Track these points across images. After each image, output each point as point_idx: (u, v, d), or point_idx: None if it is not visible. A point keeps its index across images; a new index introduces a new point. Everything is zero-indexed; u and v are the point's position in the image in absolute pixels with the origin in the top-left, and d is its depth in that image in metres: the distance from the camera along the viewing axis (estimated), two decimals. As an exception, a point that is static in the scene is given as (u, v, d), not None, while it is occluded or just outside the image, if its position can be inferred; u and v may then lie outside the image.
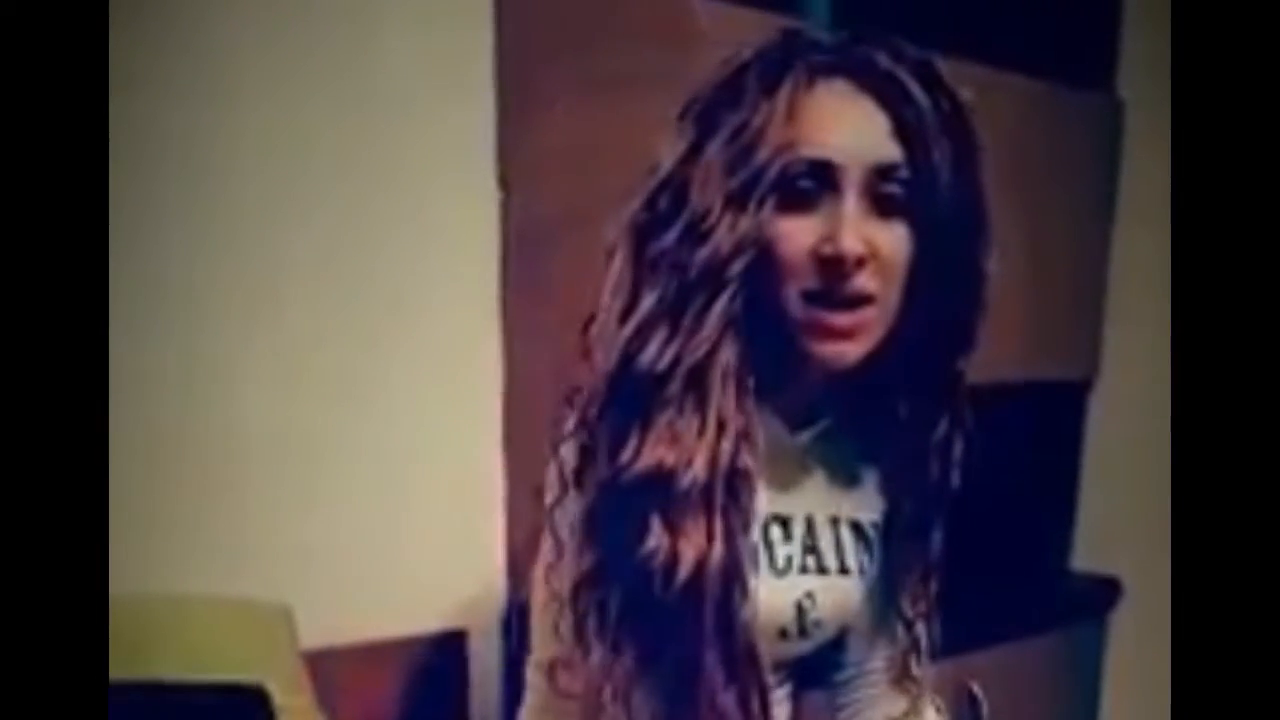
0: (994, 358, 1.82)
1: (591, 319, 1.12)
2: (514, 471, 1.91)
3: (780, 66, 1.07)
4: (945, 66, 1.12)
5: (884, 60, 1.09)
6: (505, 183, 1.88)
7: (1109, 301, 2.37)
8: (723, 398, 1.06)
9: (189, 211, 1.60)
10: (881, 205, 1.07)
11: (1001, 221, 2.02)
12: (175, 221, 1.59)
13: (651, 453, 1.04)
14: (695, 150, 1.07)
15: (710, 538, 1.05)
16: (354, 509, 1.77)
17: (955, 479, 1.20)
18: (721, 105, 1.07)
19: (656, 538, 1.04)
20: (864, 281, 1.06)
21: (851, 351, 1.08)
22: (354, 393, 1.76)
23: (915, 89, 1.08)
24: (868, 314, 1.07)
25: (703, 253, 1.04)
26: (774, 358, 1.10)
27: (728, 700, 1.07)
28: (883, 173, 1.07)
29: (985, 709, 2.03)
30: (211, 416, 1.63)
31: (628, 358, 1.06)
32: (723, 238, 1.04)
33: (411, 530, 1.83)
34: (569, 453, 1.12)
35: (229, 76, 1.62)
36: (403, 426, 1.80)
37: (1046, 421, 2.40)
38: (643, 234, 1.08)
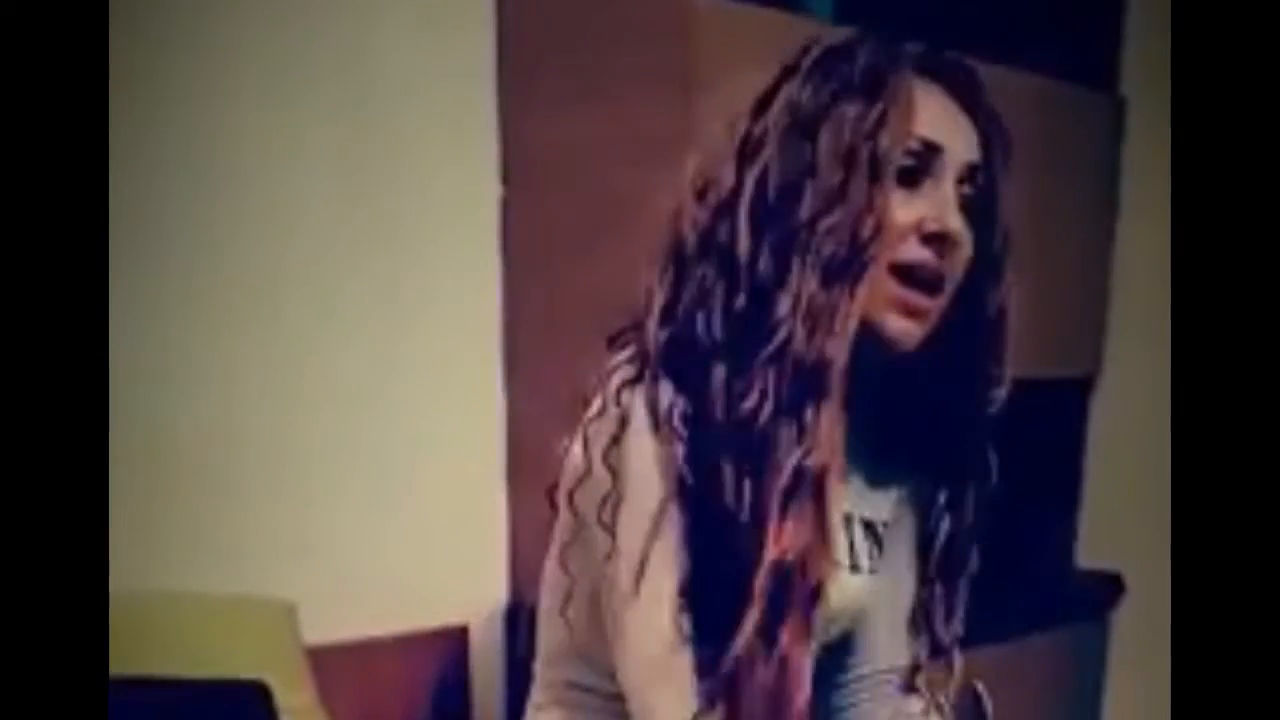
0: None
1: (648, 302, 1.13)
2: (515, 468, 1.91)
3: (885, 59, 1.11)
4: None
5: (965, 74, 1.16)
6: (507, 181, 1.87)
7: (1112, 299, 2.37)
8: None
9: (189, 211, 1.60)
10: (961, 203, 1.12)
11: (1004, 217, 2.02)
12: (175, 221, 1.59)
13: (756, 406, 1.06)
14: (809, 129, 1.09)
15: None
16: (355, 505, 1.77)
17: (990, 490, 1.23)
18: (825, 85, 1.10)
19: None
20: (953, 261, 1.10)
21: (918, 334, 1.12)
22: (355, 391, 1.76)
23: (987, 104, 1.15)
24: (937, 301, 1.12)
25: (848, 221, 1.07)
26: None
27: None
28: (969, 172, 1.12)
29: (989, 706, 2.03)
30: (213, 415, 1.64)
31: (775, 342, 1.06)
32: (863, 208, 1.07)
33: (413, 526, 1.83)
34: (598, 430, 1.11)
35: (229, 76, 1.62)
36: (404, 423, 1.80)
37: (1050, 419, 2.40)
38: (760, 207, 1.09)
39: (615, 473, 1.10)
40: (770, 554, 1.06)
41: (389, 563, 1.81)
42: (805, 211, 1.07)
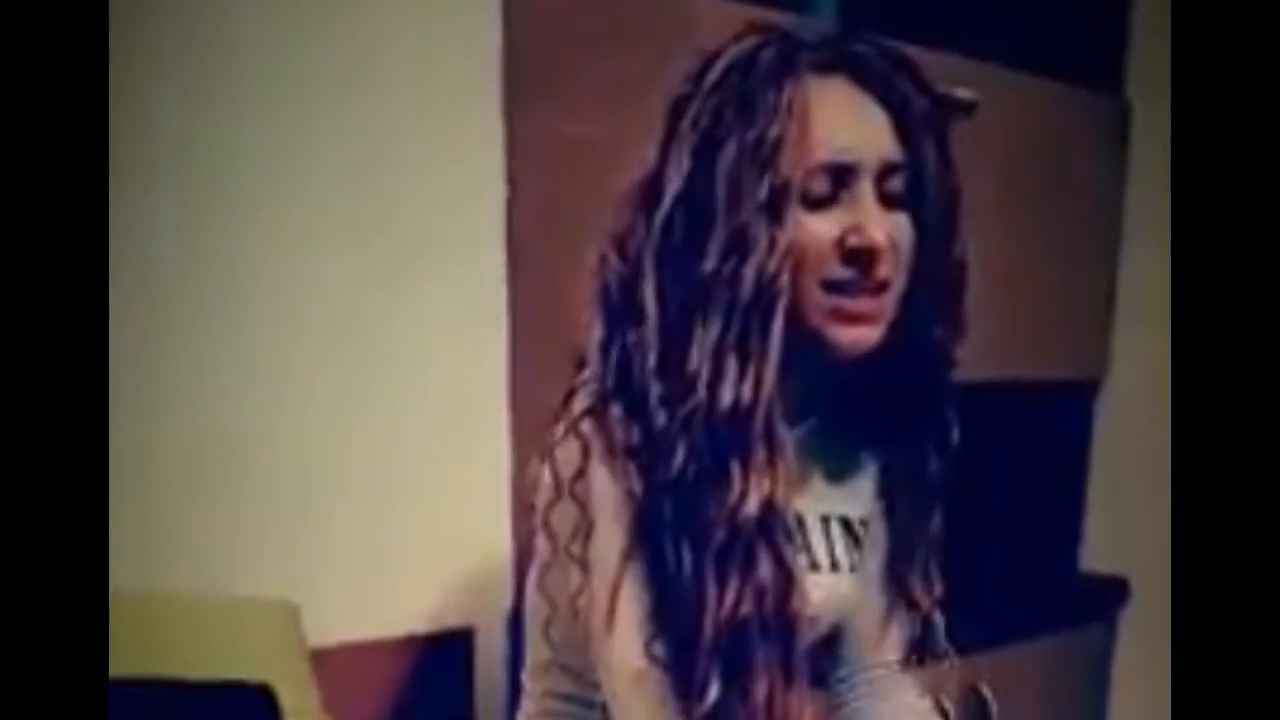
0: (1001, 358, 1.83)
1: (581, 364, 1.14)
2: (519, 469, 1.91)
3: (780, 66, 1.08)
4: (925, 59, 1.15)
5: (874, 56, 1.11)
6: (512, 180, 1.87)
7: (1118, 301, 2.37)
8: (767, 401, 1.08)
9: (189, 211, 1.60)
10: (887, 200, 1.10)
11: (1008, 220, 2.03)
12: (175, 221, 1.59)
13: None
14: (708, 163, 1.07)
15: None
16: (360, 507, 1.77)
17: (951, 462, 1.22)
18: (723, 112, 1.07)
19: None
20: (884, 270, 1.08)
21: (871, 337, 1.10)
22: (359, 392, 1.76)
23: (906, 85, 1.11)
24: (886, 300, 1.10)
25: (750, 269, 1.05)
26: (789, 351, 1.11)
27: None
28: (889, 169, 1.10)
29: (993, 710, 2.03)
30: (214, 415, 1.63)
31: (693, 396, 1.06)
32: (765, 251, 1.05)
33: (417, 528, 1.83)
34: (566, 455, 1.12)
35: (229, 75, 1.62)
36: (407, 424, 1.80)
37: (1055, 421, 2.40)
38: (666, 256, 1.08)
39: (583, 504, 1.11)
40: (721, 614, 1.06)
41: (394, 565, 1.80)
42: (709, 260, 1.06)
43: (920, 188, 1.11)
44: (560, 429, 1.13)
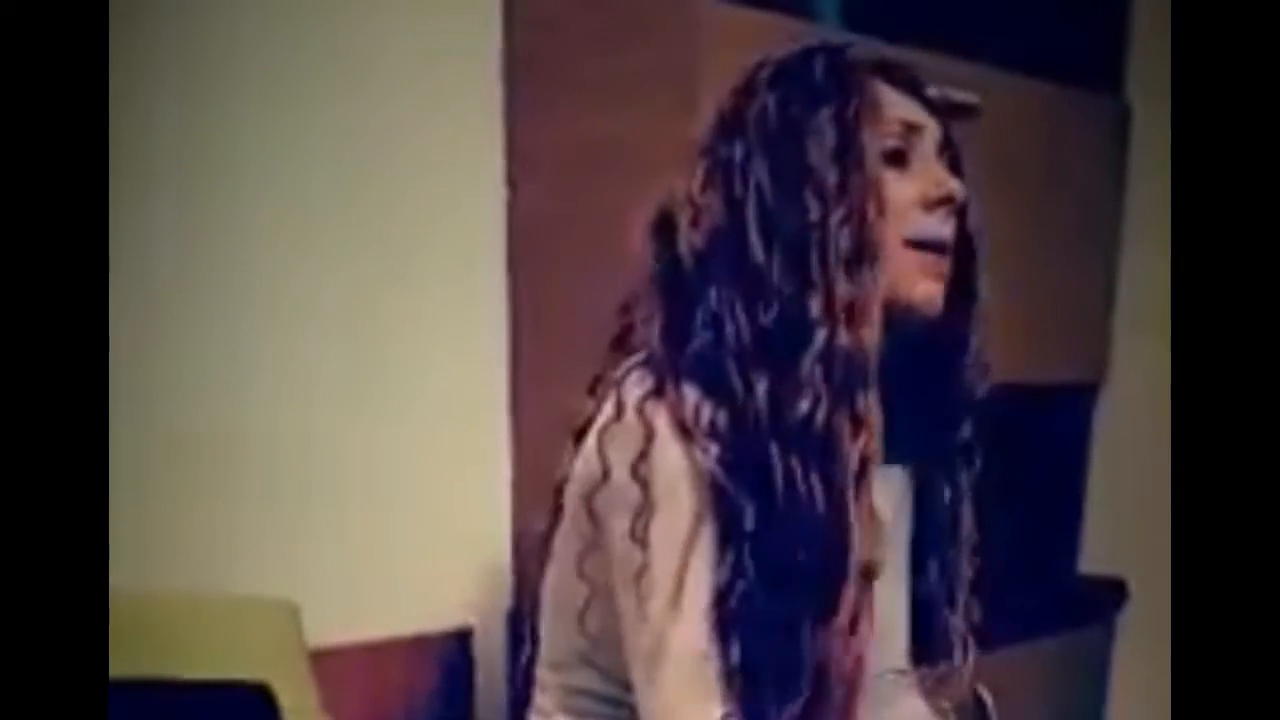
0: (1000, 360, 1.82)
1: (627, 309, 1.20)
2: (521, 471, 1.91)
3: (835, 66, 1.17)
4: (926, 62, 1.31)
5: (903, 70, 1.22)
6: (513, 181, 1.87)
7: (1118, 304, 2.37)
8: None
9: (189, 211, 1.60)
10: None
11: (1008, 222, 2.02)
12: (175, 221, 1.59)
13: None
14: (793, 137, 1.13)
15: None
16: (360, 507, 1.77)
17: (978, 467, 1.28)
18: (789, 101, 1.15)
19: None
20: (951, 227, 1.18)
21: (939, 295, 1.18)
22: (360, 391, 1.76)
23: (930, 95, 1.23)
24: (948, 260, 1.19)
25: (854, 219, 1.11)
26: None
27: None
28: (944, 143, 1.21)
29: (992, 711, 2.02)
30: (215, 414, 1.63)
31: (818, 340, 1.09)
32: (861, 200, 1.12)
33: (417, 528, 1.83)
34: (621, 440, 1.12)
35: (229, 75, 1.62)
36: (407, 423, 1.80)
37: (1054, 424, 2.40)
38: (763, 212, 1.12)
39: (646, 486, 1.10)
40: (856, 551, 1.09)
41: (393, 565, 1.80)
42: (813, 213, 1.11)
43: (959, 173, 1.20)
44: (606, 416, 1.14)
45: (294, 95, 1.67)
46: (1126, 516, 2.39)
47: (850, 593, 1.09)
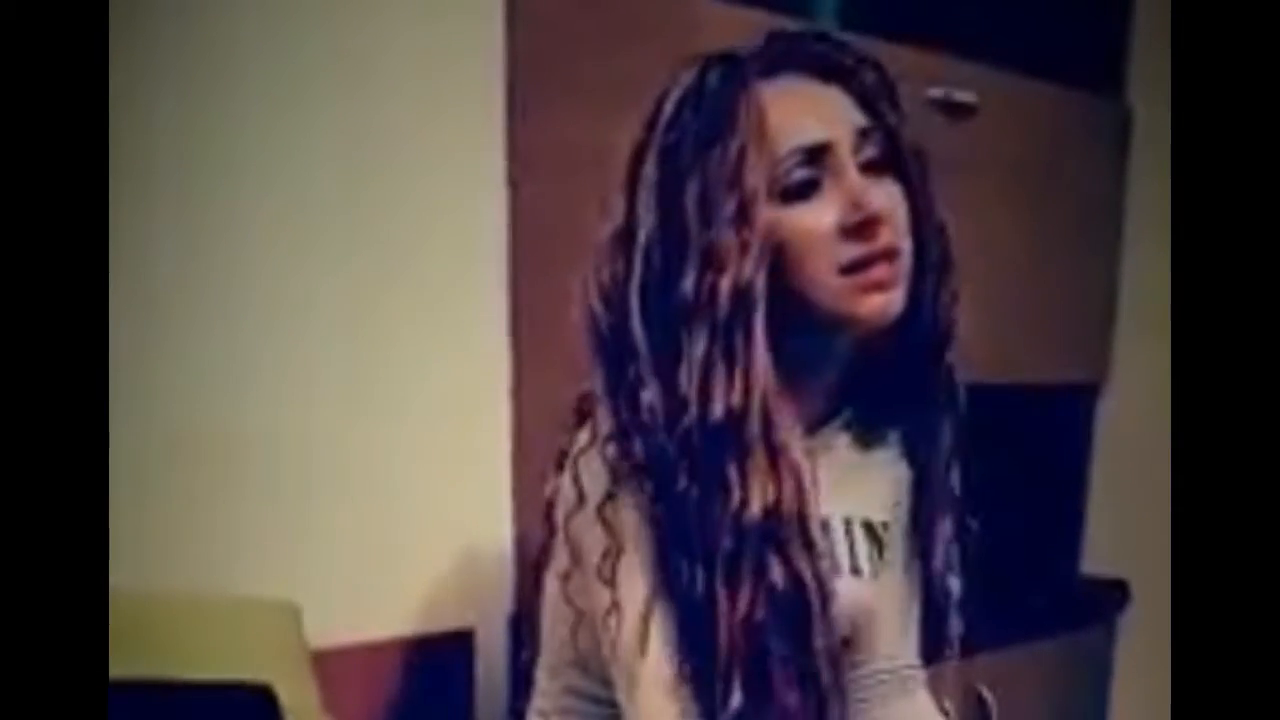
0: (1003, 360, 1.82)
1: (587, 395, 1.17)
2: (521, 470, 1.91)
3: (727, 83, 1.10)
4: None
5: (809, 44, 1.14)
6: (513, 181, 1.87)
7: (1119, 304, 2.37)
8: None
9: (189, 211, 1.59)
10: (868, 169, 1.11)
11: (1010, 223, 2.03)
12: (175, 221, 1.58)
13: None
14: (677, 194, 1.09)
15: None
16: (361, 507, 1.77)
17: (962, 459, 1.25)
18: (681, 146, 1.09)
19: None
20: (888, 235, 1.09)
21: (894, 303, 1.11)
22: (359, 390, 1.76)
23: (848, 59, 1.14)
24: (899, 267, 1.11)
25: (726, 280, 1.07)
26: (802, 349, 1.14)
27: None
28: (861, 135, 1.11)
29: (994, 712, 2.02)
30: (215, 414, 1.63)
31: (687, 414, 1.07)
32: (738, 257, 1.07)
33: (418, 528, 1.83)
34: (591, 474, 1.14)
35: (229, 75, 1.61)
36: (408, 424, 1.80)
37: (1056, 425, 2.40)
38: (648, 290, 1.10)
39: (611, 528, 1.12)
40: (725, 622, 1.08)
41: (394, 565, 1.80)
42: (686, 281, 1.07)
43: (896, 149, 1.12)
44: (581, 444, 1.16)
45: (294, 95, 1.67)
46: (1128, 517, 2.39)
47: (738, 665, 1.09)
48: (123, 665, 1.28)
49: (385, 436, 1.78)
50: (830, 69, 1.13)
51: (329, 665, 1.62)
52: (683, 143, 1.09)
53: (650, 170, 1.10)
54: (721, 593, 1.08)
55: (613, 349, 1.12)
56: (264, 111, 1.65)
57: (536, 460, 1.82)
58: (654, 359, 1.09)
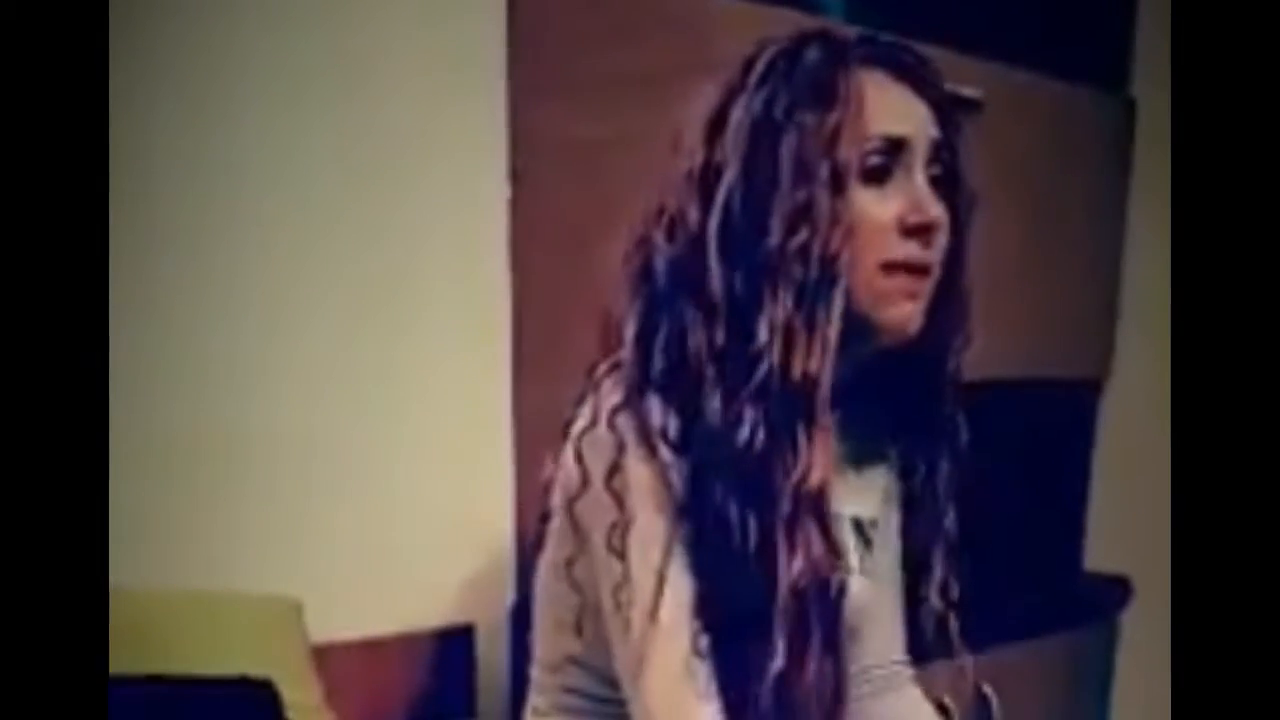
0: (1004, 356, 1.82)
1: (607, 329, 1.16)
2: (522, 466, 1.91)
3: (829, 59, 1.12)
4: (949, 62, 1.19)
5: (907, 53, 1.16)
6: (516, 178, 1.87)
7: (1120, 301, 2.36)
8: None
9: (189, 211, 1.60)
10: (933, 183, 1.14)
11: (1012, 218, 2.02)
12: (175, 221, 1.59)
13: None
14: (769, 146, 1.09)
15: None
16: (362, 503, 1.77)
17: (962, 462, 1.24)
18: (774, 101, 1.10)
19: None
20: (936, 250, 1.13)
21: (916, 318, 1.13)
22: (361, 388, 1.76)
23: (937, 80, 1.16)
24: (926, 284, 1.14)
25: (816, 244, 1.08)
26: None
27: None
28: (935, 151, 1.14)
29: (995, 708, 2.02)
30: (215, 412, 1.63)
31: (759, 370, 1.08)
32: (828, 225, 1.08)
33: (419, 525, 1.83)
34: (596, 449, 1.13)
35: (229, 76, 1.62)
36: (409, 421, 1.80)
37: (1057, 421, 2.39)
38: (729, 235, 1.10)
39: (620, 498, 1.11)
40: (784, 582, 1.08)
41: (395, 561, 1.81)
42: (774, 236, 1.08)
43: (956, 177, 1.16)
44: (583, 422, 1.14)
45: (294, 95, 1.67)
46: (1130, 513, 2.39)
47: (784, 627, 1.09)
48: (125, 662, 1.28)
49: (386, 434, 1.78)
50: (919, 82, 1.15)
51: (330, 660, 1.62)
52: (775, 100, 1.10)
53: (741, 115, 1.11)
54: (779, 552, 1.08)
55: (666, 284, 1.12)
56: (264, 112, 1.65)
57: (537, 456, 1.82)
58: (729, 304, 1.09)
